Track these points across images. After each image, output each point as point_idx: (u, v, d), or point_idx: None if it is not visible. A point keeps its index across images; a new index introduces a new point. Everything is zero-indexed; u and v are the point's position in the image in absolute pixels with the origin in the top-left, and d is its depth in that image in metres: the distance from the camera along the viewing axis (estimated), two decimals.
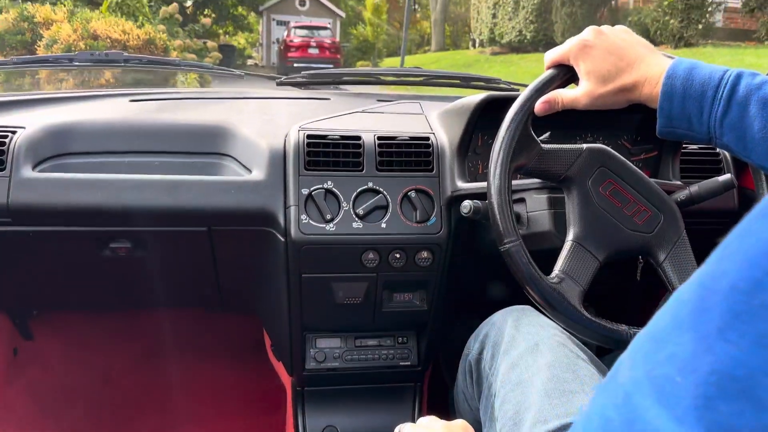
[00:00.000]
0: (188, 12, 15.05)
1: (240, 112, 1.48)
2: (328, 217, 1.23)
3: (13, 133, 1.23)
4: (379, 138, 1.31)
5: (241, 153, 1.33)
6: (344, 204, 1.24)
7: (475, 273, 1.43)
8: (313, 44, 18.01)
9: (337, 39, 20.14)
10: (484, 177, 1.27)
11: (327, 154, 1.27)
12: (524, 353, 0.99)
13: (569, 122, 1.34)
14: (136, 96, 1.52)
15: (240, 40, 20.57)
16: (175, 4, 9.68)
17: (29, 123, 1.27)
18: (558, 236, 1.08)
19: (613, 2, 16.23)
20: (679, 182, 1.25)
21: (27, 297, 1.61)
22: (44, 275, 1.49)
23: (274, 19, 22.17)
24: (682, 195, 1.10)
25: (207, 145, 1.34)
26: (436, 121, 1.42)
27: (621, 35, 0.94)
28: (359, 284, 1.34)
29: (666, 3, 13.58)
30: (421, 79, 1.66)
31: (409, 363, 1.46)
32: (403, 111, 1.53)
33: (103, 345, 1.85)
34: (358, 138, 1.29)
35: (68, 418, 1.72)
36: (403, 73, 1.69)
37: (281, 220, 1.24)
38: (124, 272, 1.47)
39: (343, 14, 23.75)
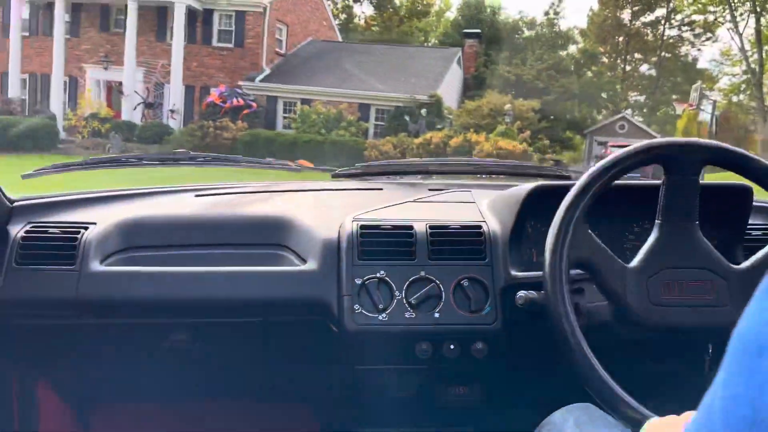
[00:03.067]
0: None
1: (297, 204, 1.52)
2: (381, 306, 1.22)
3: (85, 229, 1.29)
4: (431, 227, 1.31)
5: (296, 244, 1.36)
6: (397, 293, 1.23)
7: (535, 365, 1.39)
8: None
9: None
10: (539, 266, 1.23)
11: (380, 243, 1.28)
12: None
13: (628, 209, 1.31)
14: (200, 191, 1.59)
15: (564, 157, 23.31)
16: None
17: (100, 219, 1.33)
18: (619, 329, 1.03)
19: None
20: None
21: (88, 388, 1.63)
22: (105, 367, 1.51)
23: (595, 140, 24.84)
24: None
25: (265, 237, 1.37)
26: (487, 209, 1.41)
27: None
28: (413, 377, 1.31)
29: None
30: (471, 168, 1.69)
31: None
32: (454, 200, 1.54)
33: None
34: (410, 227, 1.30)
35: None
36: (454, 163, 1.75)
37: (335, 310, 1.24)
38: (182, 364, 1.48)
39: (657, 136, 26.15)
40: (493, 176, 1.75)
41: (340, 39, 24.73)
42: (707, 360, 1.03)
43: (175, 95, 18.71)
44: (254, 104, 17.98)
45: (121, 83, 18.56)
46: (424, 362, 1.26)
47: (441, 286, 1.24)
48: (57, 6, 18.17)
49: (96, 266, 1.24)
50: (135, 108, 18.37)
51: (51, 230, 1.28)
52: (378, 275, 1.24)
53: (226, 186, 1.66)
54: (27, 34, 19.05)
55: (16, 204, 1.37)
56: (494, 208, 1.40)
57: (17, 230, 1.28)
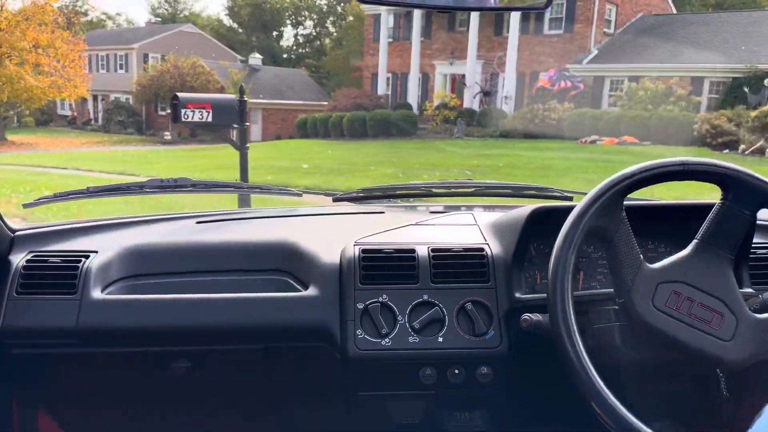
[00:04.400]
0: None
1: (298, 229, 1.51)
2: (384, 331, 1.22)
3: (86, 257, 1.28)
4: (433, 250, 1.31)
5: (298, 269, 1.36)
6: (399, 318, 1.23)
7: (541, 389, 1.36)
8: None
9: None
10: (543, 288, 1.25)
11: (382, 267, 1.28)
12: None
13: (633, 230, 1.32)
14: (201, 218, 1.59)
15: None
16: None
17: (101, 247, 1.33)
18: (625, 351, 1.03)
19: None
20: (750, 290, 1.16)
21: (89, 418, 1.62)
22: (107, 396, 1.50)
23: None
24: (755, 303, 1.05)
25: (266, 263, 1.38)
26: (489, 231, 1.41)
27: None
28: (417, 403, 1.30)
29: None
30: (472, 190, 1.66)
31: None
32: (456, 222, 1.53)
33: None
34: (413, 251, 1.30)
35: None
36: (454, 185, 1.70)
37: (337, 336, 1.24)
38: (183, 392, 1.47)
39: None
40: (495, 197, 1.73)
41: (674, 11, 23.82)
42: (723, 388, 0.99)
43: (508, 83, 20.84)
44: (581, 85, 18.91)
45: (463, 75, 21.48)
46: (429, 388, 1.25)
47: (444, 309, 1.24)
48: (415, 14, 21.86)
49: (97, 294, 1.24)
50: (475, 96, 21.10)
51: (52, 259, 1.27)
52: (380, 299, 1.24)
53: (226, 212, 1.66)
54: (391, 40, 23.34)
55: (17, 233, 1.37)
56: (496, 230, 1.40)
57: (18, 260, 1.27)
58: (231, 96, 3.98)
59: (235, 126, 3.83)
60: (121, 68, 27.44)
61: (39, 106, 23.72)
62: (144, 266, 1.35)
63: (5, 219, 1.33)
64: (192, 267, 1.37)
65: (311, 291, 1.28)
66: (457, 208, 1.75)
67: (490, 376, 1.25)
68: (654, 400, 1.05)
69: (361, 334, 1.22)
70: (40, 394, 1.46)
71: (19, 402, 1.45)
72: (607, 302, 1.09)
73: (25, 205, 1.48)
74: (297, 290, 1.33)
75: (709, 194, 1.20)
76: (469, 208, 1.72)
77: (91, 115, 27.98)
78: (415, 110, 21.42)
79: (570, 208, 1.03)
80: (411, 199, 1.84)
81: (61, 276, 1.24)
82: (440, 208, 1.74)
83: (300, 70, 31.72)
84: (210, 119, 3.18)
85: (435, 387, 1.25)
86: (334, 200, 1.65)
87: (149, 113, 25.78)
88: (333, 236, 1.42)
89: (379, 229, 1.44)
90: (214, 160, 12.67)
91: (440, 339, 1.23)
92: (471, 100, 21.14)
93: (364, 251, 1.30)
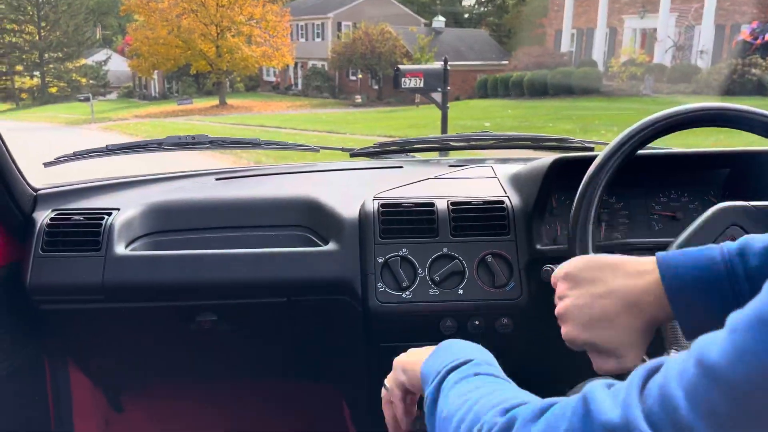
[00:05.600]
0: None
1: (317, 185, 1.52)
2: (405, 284, 1.23)
3: (109, 215, 1.33)
4: (453, 203, 1.30)
5: (317, 224, 1.37)
6: (420, 271, 1.24)
7: (560, 339, 1.33)
8: None
9: None
10: (564, 239, 1.24)
11: (401, 221, 1.28)
12: None
13: (652, 181, 1.28)
14: (221, 174, 1.61)
15: None
16: None
17: (123, 204, 1.39)
18: None
19: None
20: None
21: (117, 371, 1.69)
22: (134, 350, 1.56)
23: None
24: None
25: (286, 219, 1.40)
26: (509, 184, 1.38)
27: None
28: None
29: None
30: (491, 142, 1.63)
31: None
32: (475, 175, 1.49)
33: (189, 416, 1.90)
34: (432, 204, 1.29)
35: None
36: (473, 137, 1.66)
37: (358, 289, 1.25)
38: (208, 345, 1.52)
39: None
40: (515, 150, 1.69)
41: None
42: None
43: (705, 36, 19.41)
44: None
45: (654, 29, 20.41)
46: (449, 338, 1.24)
47: (464, 262, 1.25)
48: None
49: (121, 250, 1.28)
50: (666, 51, 20.00)
51: (75, 217, 1.32)
52: (400, 253, 1.25)
53: (245, 169, 1.67)
54: None
55: (40, 192, 1.43)
56: (516, 182, 1.38)
57: (42, 218, 1.33)
58: (437, 66, 5.09)
59: (439, 89, 4.92)
60: (317, 37, 29.32)
61: (250, 74, 26.69)
62: (166, 222, 1.40)
63: (27, 178, 1.38)
64: (213, 223, 1.40)
65: (331, 246, 1.30)
66: (477, 161, 1.70)
67: (510, 327, 1.26)
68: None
69: (381, 288, 1.24)
70: (70, 349, 1.54)
71: (50, 356, 1.53)
72: (629, 253, 1.01)
73: (46, 164, 1.52)
74: (317, 245, 1.34)
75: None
76: (489, 160, 1.66)
77: (292, 81, 30.78)
78: (600, 67, 20.72)
79: (591, 159, 1.01)
80: (429, 153, 1.81)
81: (85, 233, 1.30)
82: (459, 162, 1.69)
83: (481, 30, 31.61)
84: (421, 85, 4.28)
85: (455, 337, 1.21)
86: (352, 155, 1.66)
87: (341, 78, 27.52)
88: (352, 191, 1.42)
89: (398, 183, 1.44)
90: (404, 121, 13.69)
91: (460, 291, 1.24)
92: (662, 55, 19.92)
93: (383, 206, 1.31)
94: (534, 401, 0.57)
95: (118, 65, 28.73)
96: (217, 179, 1.59)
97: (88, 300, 1.30)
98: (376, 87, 25.52)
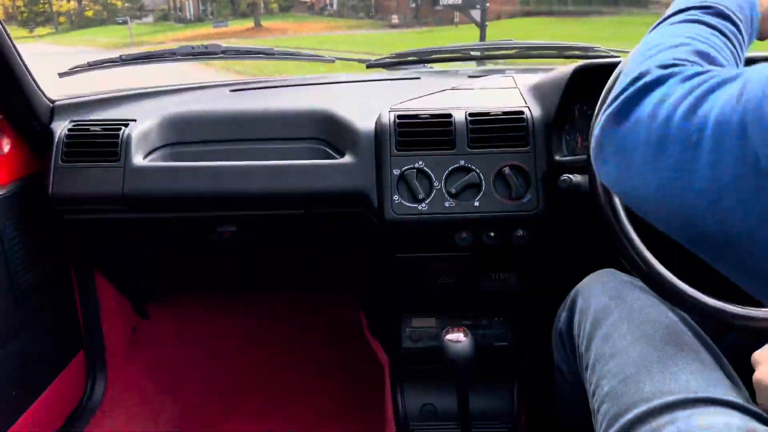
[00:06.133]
0: None
1: (333, 97, 1.49)
2: (421, 196, 1.23)
3: (126, 125, 1.33)
4: (471, 115, 1.27)
5: (334, 136, 1.36)
6: (436, 183, 1.23)
7: (576, 251, 1.33)
8: None
9: None
10: (584, 150, 1.22)
11: (418, 133, 1.26)
12: (617, 322, 0.92)
13: None
14: (235, 86, 1.59)
15: None
16: None
17: (140, 115, 1.38)
18: None
19: None
20: None
21: (144, 280, 1.73)
22: (158, 260, 1.58)
23: None
24: None
25: (302, 131, 1.39)
26: (529, 94, 1.34)
27: None
28: (454, 264, 1.33)
29: None
30: (513, 51, 1.55)
31: (505, 343, 1.42)
32: (494, 86, 1.45)
33: (212, 325, 1.95)
34: (449, 116, 1.27)
35: (182, 392, 1.84)
36: (494, 46, 1.60)
37: (374, 201, 1.25)
38: (230, 256, 1.53)
39: None
40: (537, 59, 1.62)
41: None
42: None
43: None
44: None
45: None
46: (465, 250, 1.27)
47: (481, 174, 1.23)
48: None
49: (139, 161, 1.29)
50: None
51: (92, 128, 1.33)
52: (416, 165, 1.24)
53: (260, 80, 1.65)
54: None
55: (56, 103, 1.43)
56: (537, 92, 1.33)
57: (60, 128, 1.34)
58: None
59: (478, 6, 4.76)
60: None
61: None
62: (182, 134, 1.40)
63: (44, 90, 1.38)
64: (229, 135, 1.39)
65: (348, 158, 1.29)
66: (497, 71, 1.64)
67: (525, 239, 1.25)
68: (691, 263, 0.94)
69: (397, 200, 1.23)
70: (95, 258, 1.59)
71: (76, 266, 1.58)
72: None
73: (61, 74, 1.52)
74: (333, 158, 1.34)
75: None
76: (510, 70, 1.61)
77: (327, 1, 30.07)
78: None
79: (615, 65, 0.97)
80: (447, 64, 1.73)
81: (103, 144, 1.30)
82: (478, 72, 1.63)
83: None
84: (460, 1, 4.07)
85: (471, 249, 1.27)
86: (368, 66, 1.62)
87: None
88: (368, 103, 1.40)
89: (415, 94, 1.41)
90: (442, 42, 13.14)
91: (476, 203, 1.22)
92: None
93: (399, 117, 1.29)
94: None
95: None
96: (232, 90, 1.58)
97: (109, 210, 1.32)
98: (413, 5, 24.61)
